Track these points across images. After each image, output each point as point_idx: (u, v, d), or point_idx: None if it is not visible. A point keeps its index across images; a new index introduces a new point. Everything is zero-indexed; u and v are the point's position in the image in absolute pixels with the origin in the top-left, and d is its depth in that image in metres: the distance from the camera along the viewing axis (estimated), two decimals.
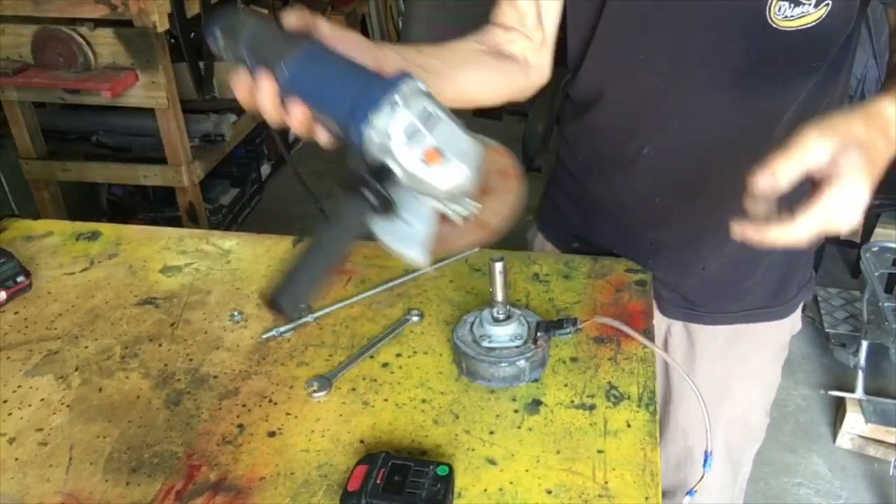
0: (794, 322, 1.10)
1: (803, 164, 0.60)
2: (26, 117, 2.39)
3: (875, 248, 2.18)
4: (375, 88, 0.55)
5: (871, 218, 2.70)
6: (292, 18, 0.66)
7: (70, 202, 2.67)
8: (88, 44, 2.16)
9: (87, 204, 2.89)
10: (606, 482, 0.70)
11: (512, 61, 0.95)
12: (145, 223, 2.81)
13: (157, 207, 2.91)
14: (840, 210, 0.61)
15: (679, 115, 0.90)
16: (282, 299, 0.55)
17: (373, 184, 0.55)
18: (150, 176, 2.43)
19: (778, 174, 0.60)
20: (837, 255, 2.88)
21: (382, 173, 0.56)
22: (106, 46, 2.17)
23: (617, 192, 1.01)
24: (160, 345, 0.89)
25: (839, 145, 0.61)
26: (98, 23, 2.14)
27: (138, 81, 2.19)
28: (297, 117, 0.63)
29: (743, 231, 0.62)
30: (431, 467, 0.67)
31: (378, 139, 0.55)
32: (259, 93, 0.64)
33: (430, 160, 0.55)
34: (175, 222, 2.75)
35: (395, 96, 0.55)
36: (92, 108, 2.59)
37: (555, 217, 1.16)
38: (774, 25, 0.79)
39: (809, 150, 0.60)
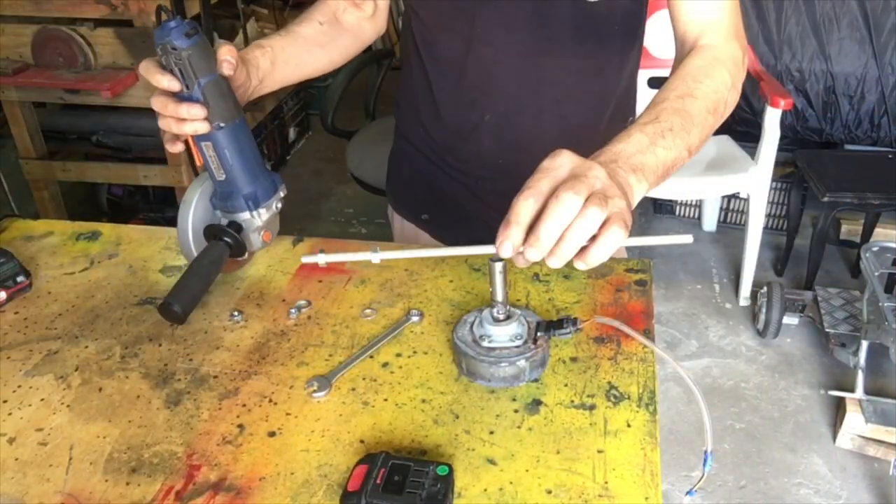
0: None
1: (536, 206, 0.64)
2: (26, 117, 2.39)
3: (875, 248, 2.18)
4: (269, 188, 0.91)
5: (871, 218, 2.70)
6: (223, 51, 0.85)
7: (70, 202, 2.67)
8: (88, 44, 2.16)
9: (87, 204, 2.89)
10: (606, 482, 0.70)
11: (346, 32, 1.09)
12: (145, 223, 2.81)
13: (157, 207, 2.91)
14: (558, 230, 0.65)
15: (513, 81, 1.00)
16: (175, 304, 0.82)
17: (232, 233, 0.90)
18: (150, 176, 2.43)
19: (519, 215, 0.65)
20: (837, 255, 2.88)
21: (237, 226, 0.90)
22: (106, 46, 2.17)
23: (462, 158, 1.09)
24: (160, 345, 0.89)
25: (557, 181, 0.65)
26: (98, 23, 2.15)
27: (138, 81, 2.19)
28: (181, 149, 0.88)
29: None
30: (431, 467, 0.67)
31: (253, 215, 0.90)
32: (186, 121, 0.82)
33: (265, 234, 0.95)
34: (175, 222, 2.75)
35: (274, 203, 0.93)
36: (92, 108, 2.59)
37: (402, 190, 1.25)
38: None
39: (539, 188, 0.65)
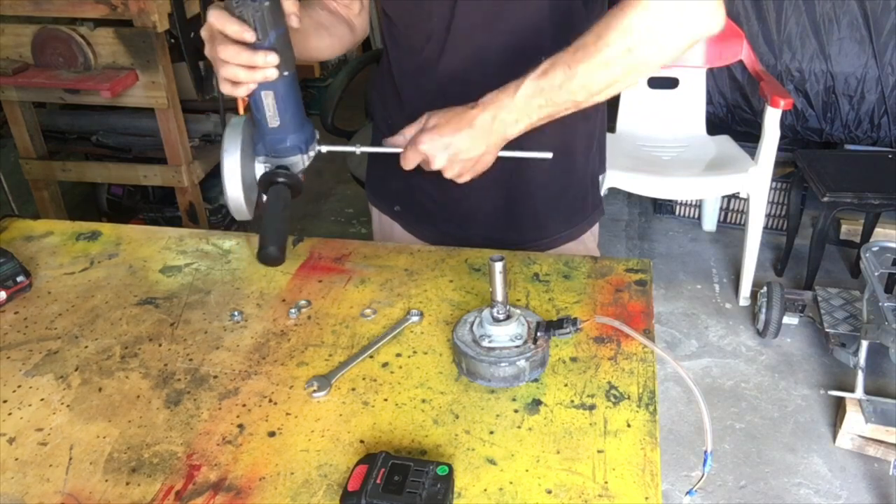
0: (587, 245, 1.24)
1: (410, 134, 0.95)
2: (26, 117, 2.39)
3: (875, 248, 2.18)
4: (312, 133, 0.95)
5: (871, 218, 2.70)
6: (288, 4, 0.89)
7: (70, 202, 2.67)
8: (88, 44, 2.16)
9: (87, 204, 2.89)
10: (606, 482, 0.70)
11: (343, 22, 1.15)
12: (145, 223, 2.81)
13: (157, 207, 2.91)
14: (408, 159, 0.94)
15: (464, 78, 1.03)
16: (271, 246, 0.84)
17: (289, 174, 0.92)
18: (150, 176, 2.43)
19: (398, 138, 0.96)
20: (837, 255, 2.88)
21: (287, 168, 0.93)
22: (106, 46, 2.17)
23: None
24: (160, 345, 0.89)
25: (425, 127, 0.93)
26: (98, 23, 2.15)
27: (138, 81, 2.19)
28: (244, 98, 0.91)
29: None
30: (431, 467, 0.67)
31: (303, 158, 0.94)
32: (258, 67, 0.85)
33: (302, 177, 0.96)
34: (175, 222, 2.75)
35: (315, 147, 0.96)
36: (92, 108, 2.59)
37: (377, 183, 1.30)
38: None
39: (415, 126, 0.95)
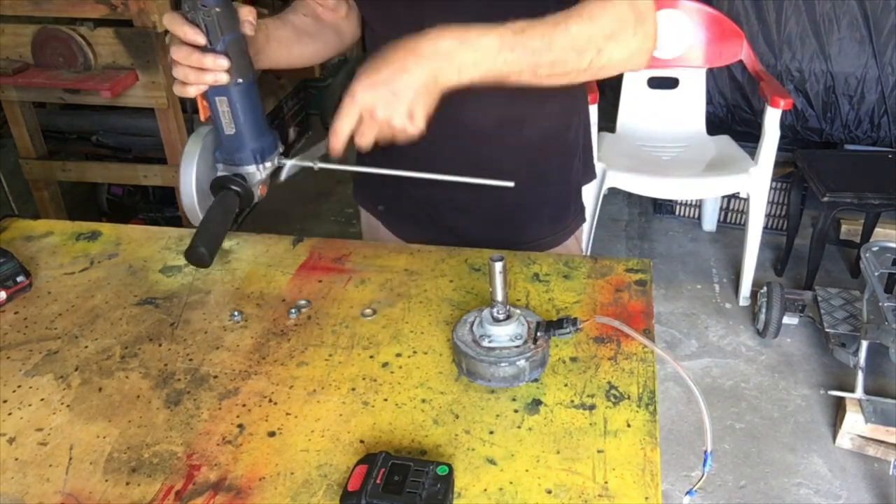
0: (569, 250, 1.24)
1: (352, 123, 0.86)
2: (26, 117, 2.39)
3: (875, 248, 2.18)
4: (272, 145, 0.95)
5: (871, 218, 2.70)
6: (245, 12, 0.89)
7: (70, 202, 2.67)
8: (88, 44, 2.16)
9: (87, 204, 2.89)
10: (606, 482, 0.70)
11: (328, 27, 1.14)
12: (145, 223, 2.81)
13: (157, 207, 2.91)
14: (343, 117, 0.87)
15: None
16: (201, 247, 0.84)
17: (240, 182, 0.92)
18: (150, 176, 2.43)
19: (338, 136, 0.87)
20: (837, 255, 2.88)
21: (244, 177, 0.93)
22: (106, 46, 2.17)
23: (403, 153, 1.07)
24: (160, 345, 0.89)
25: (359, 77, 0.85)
26: (98, 23, 2.15)
27: (138, 81, 2.20)
28: (203, 105, 0.91)
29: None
30: (431, 467, 0.67)
31: (259, 168, 0.94)
32: (207, 69, 0.86)
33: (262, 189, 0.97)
34: (175, 222, 2.75)
35: (277, 158, 0.96)
36: (92, 108, 2.60)
37: (362, 182, 1.31)
38: None
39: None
